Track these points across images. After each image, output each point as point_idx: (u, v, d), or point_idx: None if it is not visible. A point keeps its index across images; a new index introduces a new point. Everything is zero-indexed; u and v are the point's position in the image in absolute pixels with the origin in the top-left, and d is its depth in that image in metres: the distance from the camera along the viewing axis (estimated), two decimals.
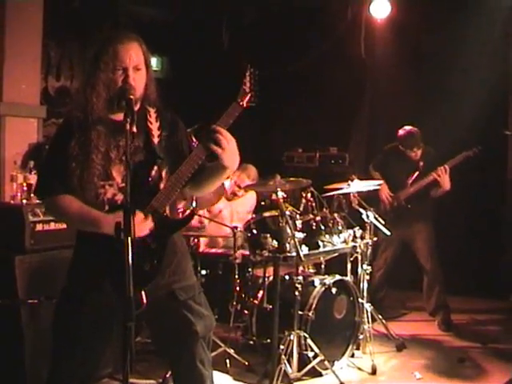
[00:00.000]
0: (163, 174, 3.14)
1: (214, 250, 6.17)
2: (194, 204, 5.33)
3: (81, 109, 3.08)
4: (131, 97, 2.95)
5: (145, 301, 2.90)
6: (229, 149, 2.96)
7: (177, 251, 3.25)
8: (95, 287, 3.03)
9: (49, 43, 7.11)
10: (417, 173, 6.71)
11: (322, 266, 5.99)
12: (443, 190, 6.53)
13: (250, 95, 3.12)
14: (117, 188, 3.08)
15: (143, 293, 2.91)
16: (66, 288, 3.18)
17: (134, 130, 2.93)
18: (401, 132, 6.78)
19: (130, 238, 2.56)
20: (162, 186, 3.11)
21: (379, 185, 6.46)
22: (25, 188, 4.92)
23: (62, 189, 3.05)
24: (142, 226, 2.95)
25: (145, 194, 3.01)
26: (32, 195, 4.81)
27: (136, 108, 3.00)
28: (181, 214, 4.04)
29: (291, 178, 5.49)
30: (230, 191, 6.48)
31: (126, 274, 2.52)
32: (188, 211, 3.45)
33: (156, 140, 3.15)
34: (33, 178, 4.89)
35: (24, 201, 4.87)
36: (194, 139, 6.53)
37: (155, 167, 3.11)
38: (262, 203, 6.72)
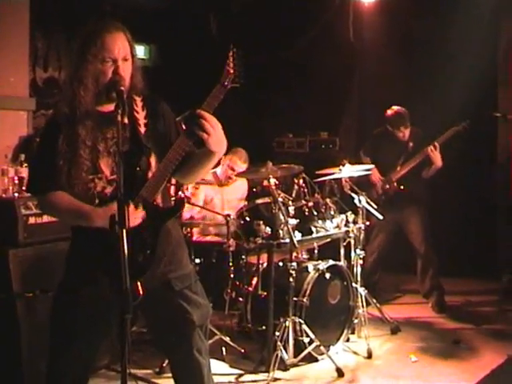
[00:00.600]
0: (152, 163, 3.11)
1: (207, 239, 6.18)
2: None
3: (68, 103, 3.05)
4: (122, 88, 2.92)
5: (141, 292, 2.91)
6: (215, 133, 2.91)
7: (171, 240, 3.23)
8: (91, 280, 3.02)
9: (35, 34, 7.06)
10: (405, 154, 6.74)
11: (315, 252, 5.99)
12: (435, 168, 6.57)
13: (233, 75, 3.08)
14: (106, 181, 3.06)
15: (139, 284, 2.92)
16: (63, 282, 3.17)
17: (126, 121, 2.90)
18: (388, 112, 6.83)
19: (124, 230, 2.56)
20: (150, 175, 3.09)
21: (370, 169, 6.48)
22: (16, 181, 4.89)
23: (52, 185, 3.04)
24: (134, 216, 2.93)
25: (134, 184, 2.98)
26: (24, 188, 4.79)
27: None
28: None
29: (283, 165, 5.49)
30: (223, 176, 6.46)
31: (121, 266, 2.52)
32: (179, 199, 3.44)
33: (143, 129, 3.12)
34: (24, 171, 4.88)
35: (16, 194, 4.84)
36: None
37: (143, 157, 3.09)
38: (254, 190, 6.73)
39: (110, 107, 3.05)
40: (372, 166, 6.56)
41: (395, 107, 6.80)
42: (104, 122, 3.07)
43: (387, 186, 6.80)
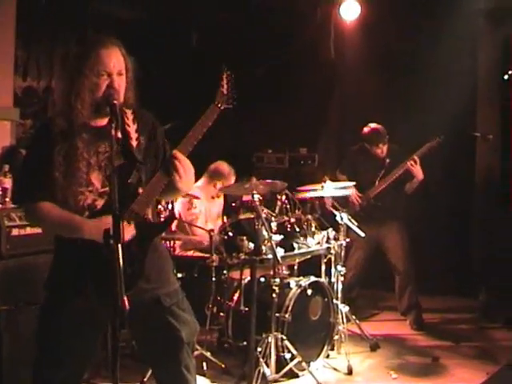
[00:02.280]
0: (142, 177, 3.14)
1: (190, 253, 6.19)
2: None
3: (64, 116, 3.07)
4: (115, 102, 2.95)
5: (127, 306, 2.92)
6: (185, 176, 3.05)
7: (159, 255, 3.27)
8: (77, 293, 3.03)
9: (16, 42, 7.04)
10: (383, 171, 6.79)
11: (295, 268, 6.03)
12: (417, 181, 6.62)
13: (227, 97, 3.19)
14: (97, 193, 3.08)
15: (125, 298, 2.93)
16: (48, 296, 3.17)
17: (119, 135, 2.93)
18: (365, 129, 6.88)
19: (119, 245, 2.58)
20: (141, 189, 3.11)
21: (350, 186, 6.54)
22: (0, 192, 4.87)
23: (41, 196, 3.04)
24: (125, 231, 2.95)
25: (124, 197, 2.97)
26: (7, 199, 4.77)
27: None
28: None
29: (267, 181, 5.52)
30: (213, 194, 6.49)
31: (113, 281, 2.53)
32: (168, 214, 3.48)
33: (134, 143, 3.15)
34: (8, 182, 4.86)
35: None
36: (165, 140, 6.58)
37: (134, 171, 3.11)
38: (233, 204, 6.74)
39: (103, 121, 3.10)
40: (350, 184, 6.62)
41: (372, 124, 6.86)
42: (97, 135, 3.09)
43: (365, 203, 6.85)
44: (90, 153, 3.08)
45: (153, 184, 3.08)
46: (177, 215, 6.28)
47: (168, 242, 5.80)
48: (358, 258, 6.98)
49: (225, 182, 6.40)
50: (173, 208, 6.03)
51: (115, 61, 3.08)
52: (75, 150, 3.03)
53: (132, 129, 3.18)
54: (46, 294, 3.17)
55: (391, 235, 6.85)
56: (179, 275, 5.66)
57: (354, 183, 6.68)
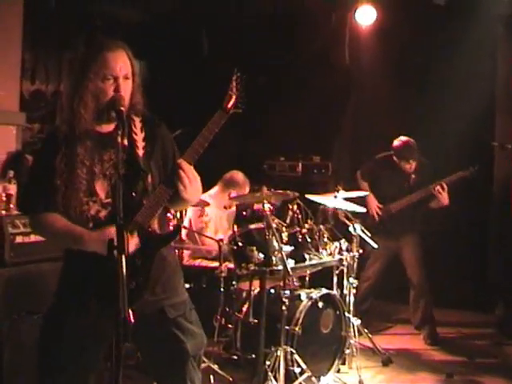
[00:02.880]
0: (148, 187, 3.11)
1: (198, 262, 6.18)
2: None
3: (67, 121, 3.05)
4: (122, 108, 2.92)
5: (132, 320, 2.91)
6: (190, 187, 3.01)
7: (166, 267, 3.24)
8: (82, 305, 3.02)
9: (23, 46, 7.07)
10: (407, 186, 6.77)
11: (307, 279, 6.02)
12: (442, 205, 6.57)
13: (235, 100, 3.15)
14: (100, 204, 3.06)
15: (130, 311, 2.92)
16: (52, 308, 3.16)
17: (126, 143, 2.91)
18: (396, 143, 6.75)
19: (123, 256, 2.56)
20: (145, 200, 3.08)
21: (366, 196, 6.52)
22: (4, 198, 4.87)
23: (46, 206, 3.03)
24: (130, 243, 2.93)
25: (129, 208, 2.94)
26: (12, 206, 4.78)
27: None
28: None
29: (278, 190, 5.51)
30: (225, 204, 6.49)
31: (117, 293, 2.50)
32: (174, 225, 3.46)
33: (141, 152, 3.12)
34: (12, 189, 4.86)
35: (3, 212, 4.80)
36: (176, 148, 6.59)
37: (140, 181, 3.09)
38: (244, 213, 6.74)
39: (109, 127, 3.09)
40: (368, 193, 6.60)
41: (403, 138, 6.72)
42: (101, 142, 3.07)
43: (385, 216, 6.83)
44: (93, 160, 3.06)
45: (157, 195, 3.05)
46: (187, 222, 6.29)
47: (176, 251, 5.79)
48: (375, 269, 6.97)
49: (239, 191, 6.40)
50: (181, 217, 6.03)
51: (122, 64, 3.05)
52: (75, 156, 3.01)
53: (139, 137, 3.15)
54: (53, 302, 3.17)
55: (408, 247, 6.84)
56: (187, 285, 5.61)
57: (369, 193, 6.68)
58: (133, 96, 3.14)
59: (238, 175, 6.51)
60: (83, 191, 3.02)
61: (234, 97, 3.15)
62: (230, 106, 3.14)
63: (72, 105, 3.03)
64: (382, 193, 6.86)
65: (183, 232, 6.19)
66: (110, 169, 3.07)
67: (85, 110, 3.01)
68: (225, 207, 6.51)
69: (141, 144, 3.14)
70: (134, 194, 3.06)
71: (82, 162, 3.02)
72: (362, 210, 6.20)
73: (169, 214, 5.74)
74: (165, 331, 3.20)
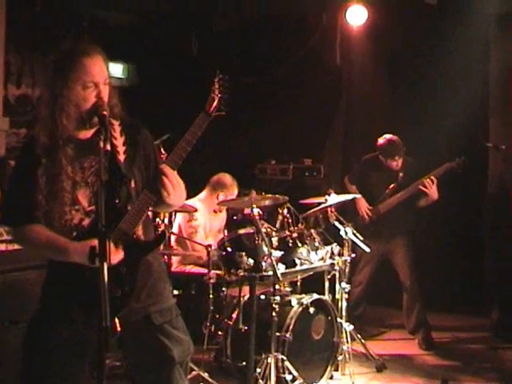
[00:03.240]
0: (132, 194, 3.10)
1: (188, 268, 6.17)
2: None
3: (47, 132, 3.00)
4: (105, 112, 2.92)
5: (118, 328, 2.90)
6: (174, 193, 3.01)
7: (152, 273, 3.23)
8: (67, 316, 3.02)
9: (8, 49, 7.04)
10: (395, 184, 6.76)
11: (298, 284, 6.01)
12: (431, 200, 6.57)
13: (218, 103, 3.12)
14: (83, 212, 3.05)
15: (116, 320, 2.91)
16: (36, 317, 3.15)
17: (108, 147, 2.90)
18: (381, 141, 6.79)
19: (105, 264, 2.55)
20: (129, 206, 3.07)
21: (355, 199, 6.53)
22: None
23: (28, 218, 3.00)
24: (113, 255, 2.91)
25: (112, 216, 2.95)
26: None
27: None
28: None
29: (268, 195, 5.50)
30: (215, 208, 6.47)
31: (99, 303, 2.50)
32: (159, 232, 3.44)
33: (122, 157, 3.10)
34: None
35: None
36: (163, 151, 6.56)
37: (123, 187, 3.08)
38: (234, 218, 6.73)
39: (87, 134, 3.07)
40: (358, 195, 6.61)
41: (388, 135, 6.77)
42: (82, 149, 3.05)
43: (374, 216, 6.83)
44: (74, 169, 3.03)
45: (141, 201, 3.04)
46: (177, 228, 6.29)
47: (165, 258, 5.78)
48: (366, 273, 6.96)
49: (227, 193, 6.39)
50: (170, 223, 6.02)
51: (100, 70, 3.03)
52: (59, 168, 2.98)
53: (119, 142, 3.12)
54: (36, 311, 3.15)
55: (398, 250, 6.83)
56: (175, 292, 5.65)
57: (359, 195, 6.69)
58: (109, 99, 3.11)
59: (226, 177, 6.49)
60: (67, 203, 3.00)
61: (216, 99, 3.13)
62: (212, 108, 3.12)
63: (53, 115, 2.99)
64: (371, 194, 6.88)
65: (172, 238, 6.19)
66: (91, 176, 3.05)
67: (67, 120, 2.99)
68: (214, 211, 6.49)
69: (121, 149, 3.12)
70: (117, 200, 3.05)
71: (66, 174, 3.00)
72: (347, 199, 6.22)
73: (158, 220, 5.75)
74: (151, 338, 3.19)
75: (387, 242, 6.83)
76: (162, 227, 5.77)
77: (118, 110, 3.16)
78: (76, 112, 2.99)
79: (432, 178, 6.50)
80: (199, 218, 6.33)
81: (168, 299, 3.34)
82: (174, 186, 3.00)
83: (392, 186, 6.77)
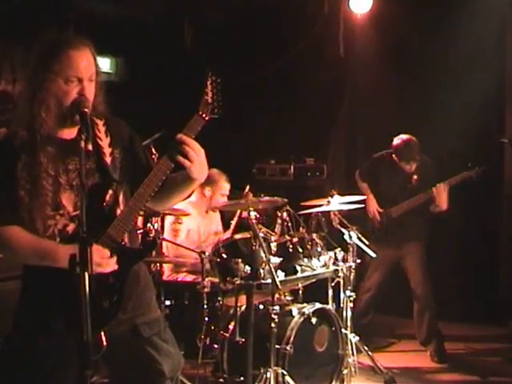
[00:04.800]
0: (120, 197, 3.12)
1: (180, 278, 6.16)
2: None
3: (26, 126, 3.00)
4: (86, 110, 2.92)
5: (105, 343, 2.89)
6: (198, 160, 2.99)
7: (139, 282, 3.25)
8: (47, 330, 3.00)
9: None
10: (409, 188, 6.76)
11: (300, 293, 6.01)
12: (439, 209, 6.57)
13: (212, 106, 3.14)
14: (68, 217, 3.05)
15: (102, 334, 2.90)
16: (13, 333, 3.13)
17: (90, 147, 2.92)
18: (396, 141, 6.73)
19: (86, 273, 2.54)
20: (118, 211, 3.09)
21: (365, 200, 6.54)
22: None
23: (8, 219, 3.00)
24: (106, 262, 2.95)
25: (100, 221, 2.97)
26: None
27: None
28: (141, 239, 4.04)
29: (265, 197, 5.49)
30: (213, 206, 6.47)
31: (81, 315, 2.50)
32: (150, 238, 3.44)
33: (109, 159, 3.12)
34: None
35: None
36: (154, 150, 6.55)
37: (110, 191, 3.08)
38: (231, 222, 6.72)
39: (72, 133, 3.07)
40: (365, 197, 6.60)
41: (404, 136, 6.69)
42: (66, 150, 3.05)
43: (385, 220, 6.83)
44: (58, 170, 3.04)
45: (131, 205, 3.05)
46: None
47: (156, 266, 5.78)
48: (376, 280, 6.99)
49: (215, 188, 6.40)
50: (162, 229, 6.01)
51: (86, 64, 3.02)
52: (38, 165, 2.98)
53: (105, 143, 3.14)
54: (14, 325, 3.13)
55: (410, 255, 6.83)
56: (167, 303, 5.65)
57: (370, 196, 6.68)
58: (95, 97, 3.11)
59: (212, 171, 6.43)
60: (49, 204, 3.00)
61: (210, 101, 3.14)
62: (206, 111, 3.13)
63: (32, 108, 2.99)
64: (382, 195, 6.88)
65: (164, 244, 6.18)
66: (76, 179, 3.04)
67: (46, 113, 2.99)
68: (206, 212, 6.48)
69: (107, 150, 3.14)
70: (104, 205, 3.05)
71: (47, 172, 3.00)
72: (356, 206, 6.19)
73: (148, 225, 5.73)
74: (139, 351, 3.19)
75: (398, 248, 6.84)
76: (153, 233, 5.76)
77: (102, 108, 3.16)
78: (56, 107, 3.00)
79: (444, 184, 6.48)
80: (186, 223, 6.32)
81: (155, 310, 3.36)
82: (197, 152, 3.00)
83: (406, 187, 6.75)
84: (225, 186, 6.46)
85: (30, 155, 2.99)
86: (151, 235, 5.68)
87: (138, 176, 3.13)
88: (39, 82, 2.99)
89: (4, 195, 2.99)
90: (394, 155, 6.77)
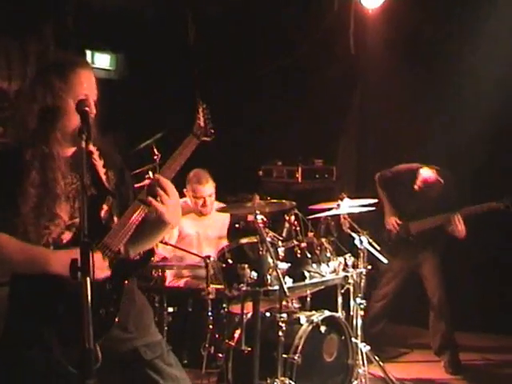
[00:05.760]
0: (113, 211, 3.21)
1: (182, 284, 6.17)
2: None
3: (37, 142, 3.08)
4: (86, 109, 2.98)
5: (100, 356, 2.90)
6: (170, 204, 3.08)
7: (136, 299, 3.31)
8: (37, 343, 3.00)
9: None
10: (429, 203, 6.77)
11: (308, 300, 6.02)
12: (456, 235, 6.61)
13: (204, 129, 3.30)
14: (64, 226, 3.09)
15: (97, 346, 2.91)
16: (4, 342, 3.13)
17: (91, 148, 2.98)
18: (425, 175, 6.72)
19: (88, 279, 2.56)
20: (114, 222, 3.17)
21: (384, 208, 6.56)
22: None
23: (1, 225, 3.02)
24: (100, 267, 2.97)
25: (95, 231, 2.97)
26: None
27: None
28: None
29: (273, 200, 5.52)
30: (196, 210, 6.46)
31: (83, 322, 2.51)
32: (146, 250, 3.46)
33: (104, 177, 3.20)
34: None
35: None
36: (156, 151, 6.57)
37: (106, 203, 3.17)
38: (236, 225, 6.73)
39: (69, 151, 3.19)
40: (376, 201, 6.59)
41: (432, 175, 6.68)
42: (68, 166, 3.14)
43: (403, 234, 6.88)
44: (58, 183, 3.11)
45: (127, 216, 3.10)
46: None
47: (158, 272, 5.80)
48: (390, 289, 7.04)
49: (188, 189, 6.39)
50: None
51: (93, 83, 3.16)
52: (47, 181, 3.06)
53: (99, 163, 3.22)
54: (3, 336, 3.13)
55: (427, 263, 6.90)
56: (170, 309, 5.66)
57: (392, 207, 6.71)
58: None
59: (191, 172, 6.45)
60: (45, 215, 3.05)
61: (202, 125, 3.31)
62: (199, 135, 3.29)
63: (45, 125, 3.08)
64: (402, 208, 6.92)
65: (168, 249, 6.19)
66: (72, 191, 3.13)
67: (57, 132, 3.08)
68: (201, 213, 6.45)
69: (102, 170, 3.22)
70: (101, 215, 3.14)
71: (52, 186, 3.07)
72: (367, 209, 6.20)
73: None
74: (140, 376, 3.22)
75: (414, 257, 6.91)
76: None
77: (96, 136, 3.16)
78: (66, 126, 3.08)
79: (464, 213, 6.53)
80: (189, 231, 6.33)
81: (155, 334, 3.40)
82: (170, 194, 3.08)
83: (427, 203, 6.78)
84: (195, 188, 6.39)
85: (40, 170, 3.06)
86: None
87: (128, 203, 3.24)
88: (48, 102, 3.08)
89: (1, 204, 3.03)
90: (418, 171, 6.79)
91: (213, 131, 3.32)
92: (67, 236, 3.08)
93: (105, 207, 3.15)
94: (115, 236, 3.07)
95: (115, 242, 3.07)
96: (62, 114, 3.07)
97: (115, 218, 3.18)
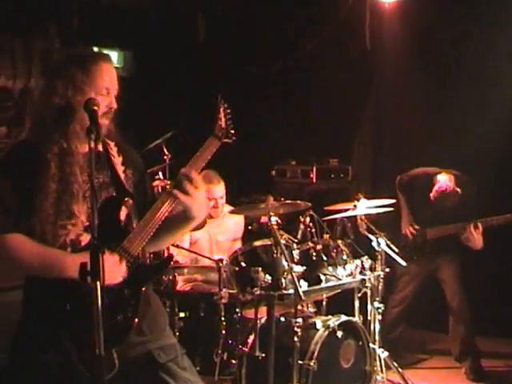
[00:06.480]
0: (132, 212, 3.21)
1: (195, 288, 6.17)
2: None
3: (57, 139, 3.10)
4: (95, 108, 2.98)
5: (117, 363, 2.90)
6: (198, 198, 3.10)
7: (151, 302, 3.31)
8: (53, 349, 3.02)
9: None
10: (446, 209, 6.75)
11: (324, 304, 6.02)
12: (472, 247, 6.60)
13: (226, 130, 3.35)
14: (82, 227, 3.09)
15: (114, 353, 2.92)
16: (19, 347, 3.14)
17: (100, 148, 3.00)
18: (443, 183, 6.70)
19: (98, 283, 2.56)
20: (133, 225, 3.16)
21: (401, 213, 6.59)
22: None
23: (13, 227, 3.03)
24: (117, 270, 2.98)
25: (114, 233, 3.05)
26: None
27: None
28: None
29: (287, 201, 5.51)
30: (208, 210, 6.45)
31: (93, 328, 2.51)
32: (166, 256, 3.49)
33: (122, 176, 3.23)
34: None
35: None
36: (166, 150, 6.57)
37: (126, 204, 3.18)
38: (249, 228, 6.73)
39: (86, 147, 3.11)
40: (393, 201, 6.58)
41: (448, 183, 6.67)
42: (84, 163, 3.14)
43: (419, 240, 6.86)
44: (77, 181, 3.12)
45: (147, 219, 3.11)
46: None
47: (169, 276, 5.80)
48: (408, 293, 7.01)
49: (210, 185, 6.34)
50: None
51: (114, 77, 3.18)
52: (71, 176, 3.07)
53: (118, 161, 3.25)
54: (18, 340, 3.15)
55: (446, 266, 6.89)
56: (182, 315, 5.66)
57: (409, 212, 6.69)
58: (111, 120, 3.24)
59: (207, 172, 6.42)
60: (63, 212, 3.06)
61: (223, 126, 3.37)
62: (220, 136, 3.35)
63: (67, 121, 3.10)
64: (418, 213, 6.91)
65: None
66: (89, 190, 3.10)
67: (81, 127, 3.08)
68: (211, 216, 6.43)
69: (120, 168, 3.25)
70: (120, 217, 3.14)
71: (71, 184, 3.08)
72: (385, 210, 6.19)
73: None
74: (154, 378, 3.22)
75: (432, 261, 6.90)
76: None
77: (114, 132, 3.29)
78: (85, 119, 3.04)
79: (478, 225, 6.50)
80: (197, 233, 6.33)
81: (170, 336, 3.41)
82: (198, 187, 3.11)
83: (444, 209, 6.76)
84: (207, 188, 6.35)
85: (60, 168, 3.07)
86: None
87: (146, 201, 3.29)
88: (68, 95, 3.10)
89: (14, 204, 3.03)
90: (434, 187, 6.77)
91: (233, 132, 3.37)
92: (85, 238, 3.08)
93: (124, 209, 3.16)
94: (135, 239, 3.08)
95: (134, 246, 3.08)
96: (82, 109, 3.04)
97: (134, 222, 3.18)
